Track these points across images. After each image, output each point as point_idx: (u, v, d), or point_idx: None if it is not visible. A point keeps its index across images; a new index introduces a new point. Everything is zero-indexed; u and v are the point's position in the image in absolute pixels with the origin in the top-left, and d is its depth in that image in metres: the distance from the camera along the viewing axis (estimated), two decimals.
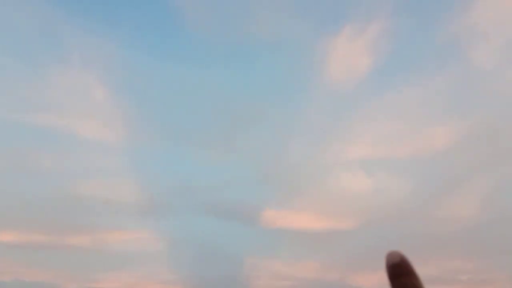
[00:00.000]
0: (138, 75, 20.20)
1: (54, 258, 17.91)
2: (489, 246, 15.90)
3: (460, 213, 17.32)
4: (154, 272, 17.94)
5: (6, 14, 18.44)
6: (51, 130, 19.60)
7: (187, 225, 18.44)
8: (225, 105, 20.04)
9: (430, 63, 19.40)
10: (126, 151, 19.71)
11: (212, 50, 19.91)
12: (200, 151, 20.11)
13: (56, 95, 20.13)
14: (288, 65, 19.91)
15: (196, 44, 20.00)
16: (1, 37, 19.41)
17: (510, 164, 17.28)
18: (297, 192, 19.03)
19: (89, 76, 19.99)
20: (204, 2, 19.15)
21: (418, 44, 19.51)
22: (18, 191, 18.26)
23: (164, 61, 20.37)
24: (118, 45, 19.78)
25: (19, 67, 19.61)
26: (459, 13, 18.49)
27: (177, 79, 20.19)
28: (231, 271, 16.97)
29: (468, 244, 16.47)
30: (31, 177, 19.05)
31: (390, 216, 17.74)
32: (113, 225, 18.77)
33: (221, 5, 19.09)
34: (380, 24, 18.79)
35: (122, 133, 19.82)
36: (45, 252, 17.93)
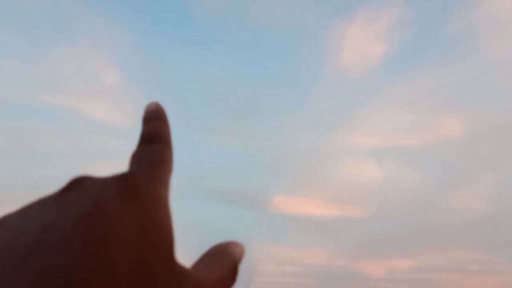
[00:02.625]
0: (148, 59, 20.32)
1: None
2: (497, 238, 15.89)
3: (470, 204, 17.28)
4: None
5: None
6: (61, 111, 19.89)
7: (194, 209, 18.76)
8: (235, 91, 20.10)
9: (444, 53, 19.09)
10: (135, 134, 20.00)
11: (223, 36, 19.88)
12: (208, 137, 20.26)
13: (66, 76, 20.38)
14: (298, 52, 19.82)
15: (206, 30, 19.97)
16: (10, 18, 19.59)
17: None
18: (306, 179, 19.12)
19: (100, 59, 20.17)
20: None
21: (432, 33, 19.23)
22: (29, 171, 18.68)
23: (175, 47, 20.41)
24: (129, 29, 19.85)
25: (29, 48, 19.84)
26: (475, 2, 18.13)
27: (187, 64, 20.29)
28: None
29: (476, 235, 16.49)
30: (40, 158, 19.45)
31: (399, 205, 17.77)
32: None
33: None
34: (394, 12, 18.56)
35: (131, 116, 20.08)
36: None
